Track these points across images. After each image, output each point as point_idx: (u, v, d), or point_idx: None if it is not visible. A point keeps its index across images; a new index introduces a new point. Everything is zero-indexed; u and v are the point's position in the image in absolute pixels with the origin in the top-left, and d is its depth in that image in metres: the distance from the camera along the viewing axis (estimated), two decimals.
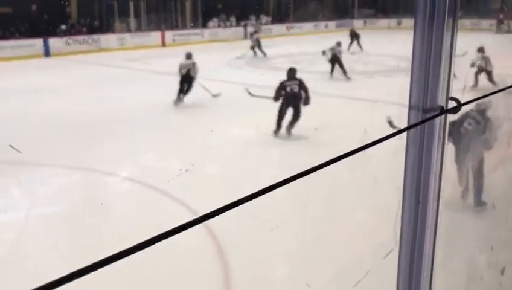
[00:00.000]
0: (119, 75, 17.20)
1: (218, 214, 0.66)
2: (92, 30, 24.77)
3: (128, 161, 7.86)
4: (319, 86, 13.35)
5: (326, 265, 4.13)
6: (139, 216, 5.60)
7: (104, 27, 25.94)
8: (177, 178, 6.97)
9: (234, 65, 19.03)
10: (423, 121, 0.89)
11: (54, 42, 22.41)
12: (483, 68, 12.87)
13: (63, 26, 23.85)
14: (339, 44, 15.46)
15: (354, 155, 0.69)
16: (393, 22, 33.07)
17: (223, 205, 0.66)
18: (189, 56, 12.05)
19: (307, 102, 9.11)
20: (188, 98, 11.54)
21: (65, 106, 11.61)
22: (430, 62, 0.97)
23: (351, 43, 22.35)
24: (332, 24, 32.07)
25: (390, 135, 0.76)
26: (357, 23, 32.66)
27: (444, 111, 0.96)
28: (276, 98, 9.07)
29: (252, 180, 6.47)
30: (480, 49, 13.34)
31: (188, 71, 11.69)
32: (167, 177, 7.05)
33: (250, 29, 27.92)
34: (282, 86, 9.12)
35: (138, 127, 9.84)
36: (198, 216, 0.63)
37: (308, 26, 31.53)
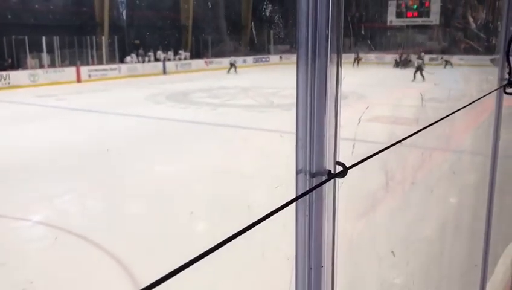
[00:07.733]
0: (31, 113, 16.41)
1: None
2: (1, 66, 23.58)
3: (41, 204, 7.44)
4: (241, 119, 13.51)
5: None
6: (53, 263, 5.29)
7: (15, 63, 24.79)
8: (94, 221, 6.66)
9: (154, 100, 18.81)
10: (313, 188, 0.88)
11: None
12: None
13: None
14: (420, 57, 24.31)
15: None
16: None
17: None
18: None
19: None
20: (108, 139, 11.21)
21: None
22: (314, 124, 0.93)
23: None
24: (250, 59, 32.87)
25: (279, 207, 0.73)
26: (273, 58, 33.70)
27: (332, 176, 0.94)
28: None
29: (175, 222, 6.32)
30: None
31: None
32: (83, 221, 6.72)
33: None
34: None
35: (52, 167, 9.36)
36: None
37: (226, 61, 32.01)
